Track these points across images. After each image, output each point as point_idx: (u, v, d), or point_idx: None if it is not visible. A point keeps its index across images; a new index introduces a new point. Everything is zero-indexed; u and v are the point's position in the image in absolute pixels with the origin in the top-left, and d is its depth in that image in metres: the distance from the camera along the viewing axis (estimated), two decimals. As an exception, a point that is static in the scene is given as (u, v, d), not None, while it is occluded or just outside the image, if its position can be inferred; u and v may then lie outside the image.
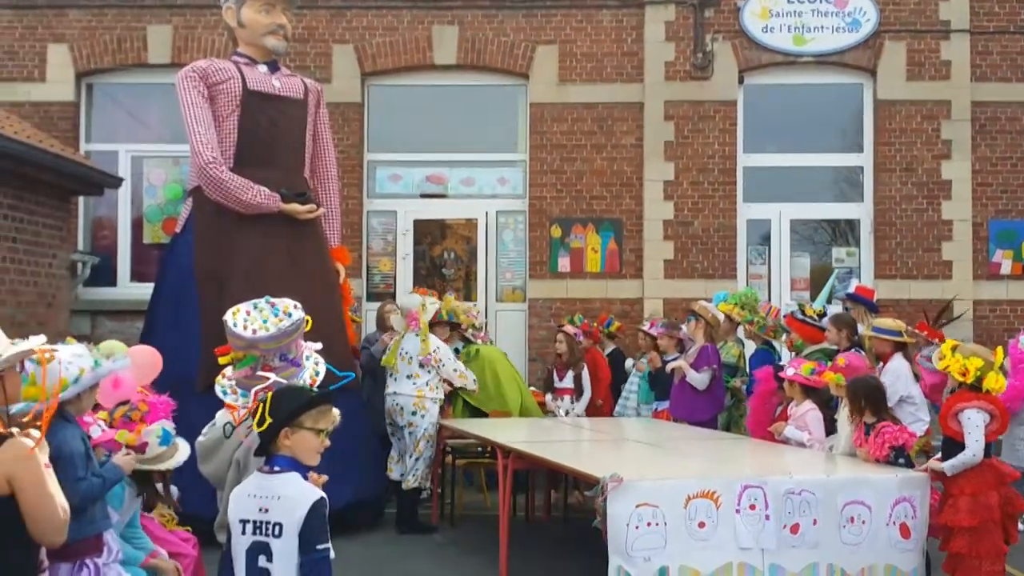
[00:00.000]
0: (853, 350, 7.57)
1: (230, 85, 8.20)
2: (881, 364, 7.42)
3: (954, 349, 5.89)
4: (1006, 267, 11.63)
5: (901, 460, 5.88)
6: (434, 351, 8.29)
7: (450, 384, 8.51)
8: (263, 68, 8.47)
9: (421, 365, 8.26)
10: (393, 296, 11.60)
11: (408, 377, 8.30)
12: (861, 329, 8.09)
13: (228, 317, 4.35)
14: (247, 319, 4.32)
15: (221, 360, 4.46)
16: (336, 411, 3.74)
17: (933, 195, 11.69)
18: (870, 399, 6.10)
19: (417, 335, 8.29)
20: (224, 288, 7.58)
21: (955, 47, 11.77)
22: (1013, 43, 11.80)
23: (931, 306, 11.03)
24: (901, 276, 11.58)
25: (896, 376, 7.17)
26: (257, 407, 3.57)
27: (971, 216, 11.65)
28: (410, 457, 8.26)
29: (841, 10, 11.78)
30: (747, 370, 8.77)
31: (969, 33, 11.77)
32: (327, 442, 3.65)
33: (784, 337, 8.82)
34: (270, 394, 3.60)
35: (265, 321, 4.31)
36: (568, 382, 9.45)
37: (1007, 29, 11.80)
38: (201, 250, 8.18)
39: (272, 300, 4.43)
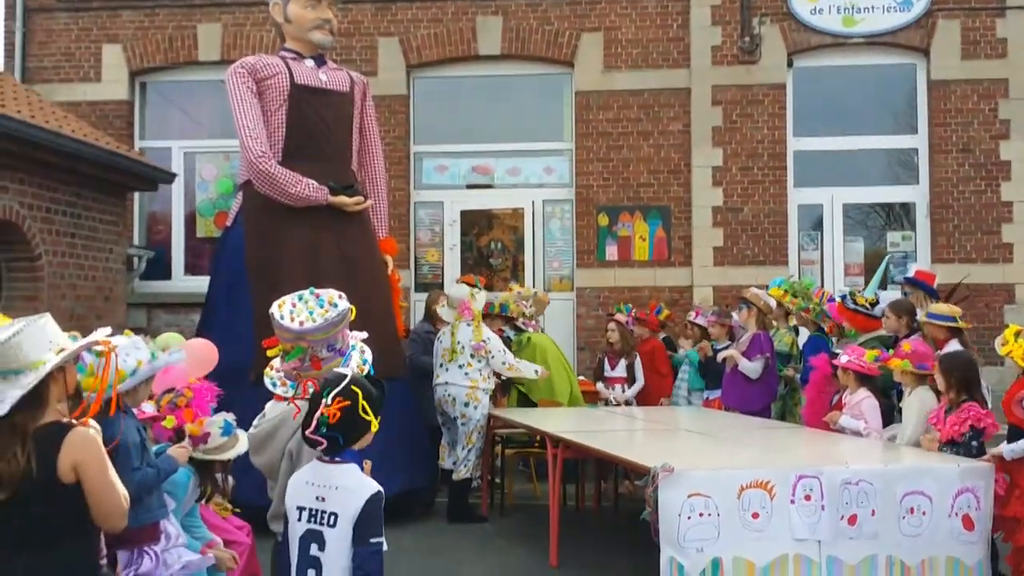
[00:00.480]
0: (914, 337, 7.41)
1: (278, 80, 8.26)
2: (937, 351, 7.27)
3: (1017, 335, 5.75)
4: (1069, 249, 11.34)
5: (975, 443, 5.74)
6: (485, 340, 8.31)
7: (498, 376, 8.53)
8: (310, 63, 8.52)
9: (472, 355, 8.29)
10: (441, 286, 11.63)
11: (460, 367, 8.32)
12: (920, 315, 7.92)
13: (274, 310, 4.36)
14: (293, 311, 4.33)
15: (269, 352, 4.49)
16: None
17: (991, 176, 11.41)
18: (964, 377, 5.90)
19: (470, 325, 8.32)
20: (275, 280, 7.64)
21: (1011, 24, 11.47)
22: (1071, 18, 11.48)
23: (991, 291, 10.81)
24: (959, 260, 11.32)
25: None
26: (343, 406, 3.55)
27: (1031, 197, 11.37)
28: (462, 448, 8.28)
29: (892, -11, 11.56)
30: (801, 357, 8.65)
31: (1026, 10, 11.48)
32: None
33: (828, 323, 8.61)
34: (360, 392, 3.56)
35: (311, 312, 4.32)
36: (620, 371, 9.41)
37: (1066, 3, 11.49)
38: (252, 243, 8.26)
39: (317, 291, 4.44)
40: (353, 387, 3.57)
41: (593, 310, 11.63)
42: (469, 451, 8.25)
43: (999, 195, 11.38)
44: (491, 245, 12.32)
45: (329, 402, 3.52)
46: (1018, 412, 5.56)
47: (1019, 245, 11.31)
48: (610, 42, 11.82)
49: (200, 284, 10.27)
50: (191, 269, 12.29)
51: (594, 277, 11.75)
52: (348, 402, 3.53)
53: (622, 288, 11.61)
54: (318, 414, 3.52)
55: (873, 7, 11.57)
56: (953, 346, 7.12)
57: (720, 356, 8.56)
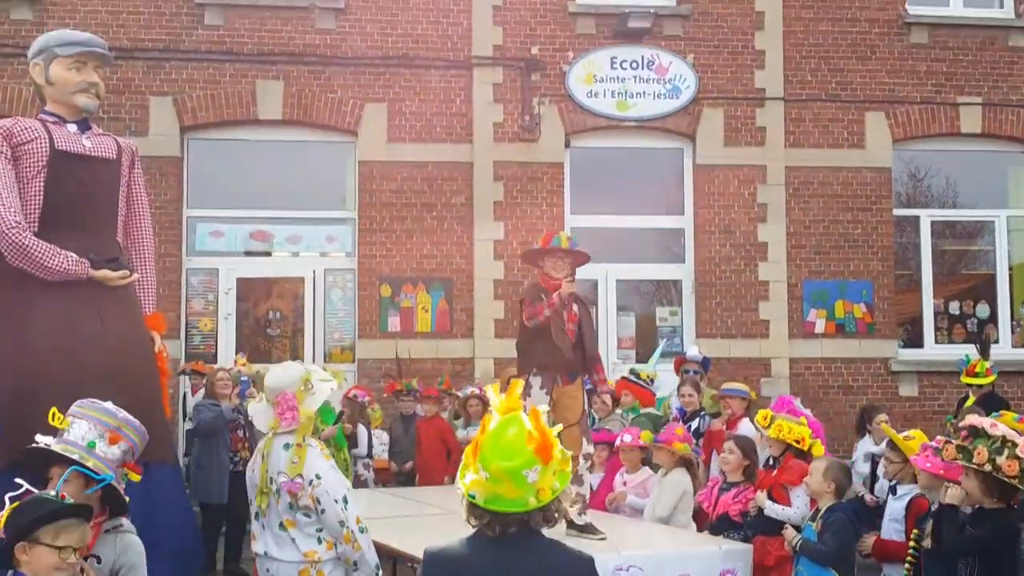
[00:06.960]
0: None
1: (36, 145, 7.65)
2: (726, 427, 7.63)
3: (772, 419, 6.12)
4: (820, 326, 12.20)
5: (748, 517, 6.09)
6: (313, 478, 4.67)
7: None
8: (72, 127, 7.94)
9: (291, 503, 4.73)
10: (214, 357, 11.12)
11: (281, 528, 4.79)
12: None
13: None
14: None
15: None
16: (87, 529, 3.56)
17: (750, 256, 12.17)
18: (753, 461, 6.36)
19: (290, 440, 4.79)
20: (24, 363, 7.04)
21: (770, 114, 12.35)
22: (824, 110, 12.47)
23: (749, 365, 11.46)
24: (721, 335, 11.98)
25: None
26: None
27: (786, 277, 12.18)
28: None
29: (662, 77, 12.21)
30: None
31: (783, 100, 12.38)
32: (72, 560, 3.47)
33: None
34: (14, 505, 3.45)
35: None
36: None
37: (819, 97, 12.47)
38: (1, 321, 7.59)
39: None
40: (13, 505, 3.49)
41: (375, 382, 11.45)
42: None
43: (757, 274, 12.15)
44: (270, 314, 11.95)
45: None
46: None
47: (775, 322, 12.09)
48: (394, 114, 11.85)
49: (-60, 357, 9.35)
50: (-70, 338, 11.17)
51: (376, 348, 11.60)
52: None
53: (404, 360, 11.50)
54: None
55: (645, 93, 12.18)
56: (747, 422, 7.49)
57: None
